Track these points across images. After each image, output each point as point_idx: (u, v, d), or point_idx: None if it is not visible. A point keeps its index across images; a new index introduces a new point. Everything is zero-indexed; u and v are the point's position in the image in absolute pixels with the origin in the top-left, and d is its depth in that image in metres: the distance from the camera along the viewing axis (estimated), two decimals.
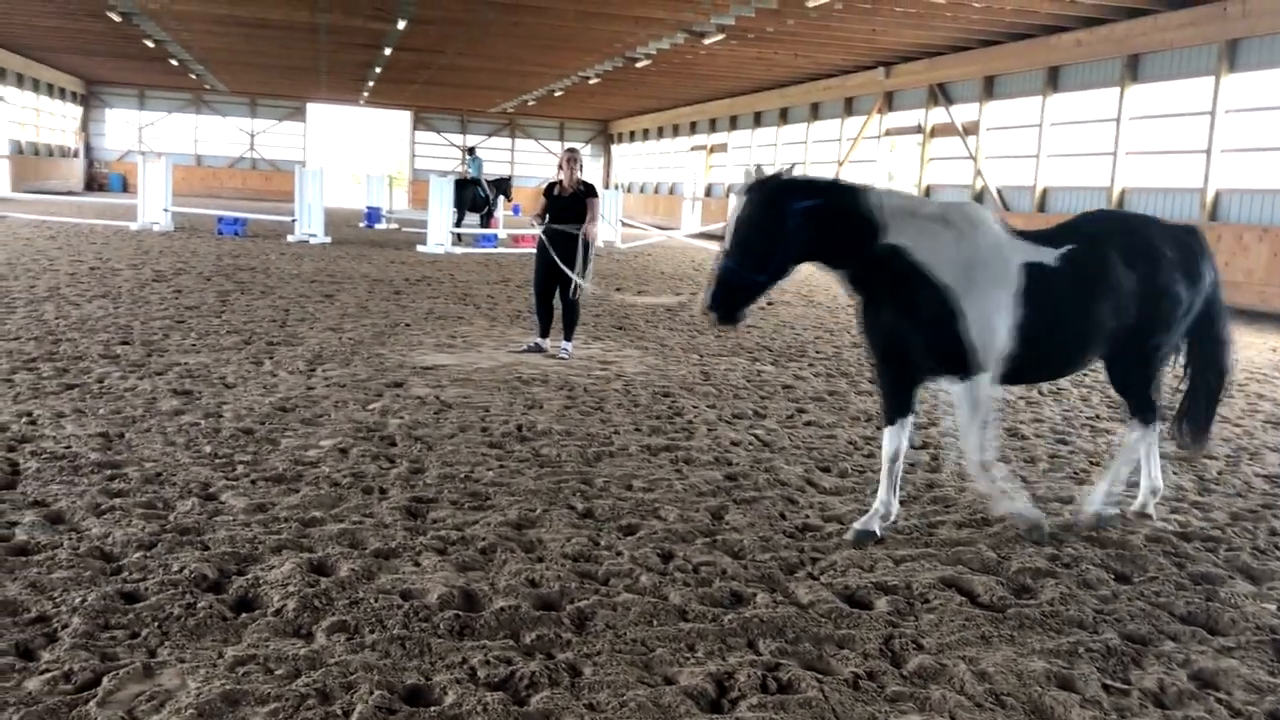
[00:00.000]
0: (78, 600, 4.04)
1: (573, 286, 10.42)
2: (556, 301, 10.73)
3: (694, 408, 8.50)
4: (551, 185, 10.76)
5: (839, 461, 7.05)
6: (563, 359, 10.42)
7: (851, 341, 12.93)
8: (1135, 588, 4.92)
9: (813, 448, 7.41)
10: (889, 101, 31.57)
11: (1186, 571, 5.15)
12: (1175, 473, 7.14)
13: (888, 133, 31.94)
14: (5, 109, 41.99)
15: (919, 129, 29.88)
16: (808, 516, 5.79)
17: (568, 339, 10.67)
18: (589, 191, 10.62)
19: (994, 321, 5.13)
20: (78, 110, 53.28)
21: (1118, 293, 5.37)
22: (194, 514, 5.18)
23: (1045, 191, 25.04)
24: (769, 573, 4.84)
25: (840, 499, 6.18)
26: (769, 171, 5.18)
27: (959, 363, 5.21)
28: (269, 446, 6.59)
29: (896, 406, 5.45)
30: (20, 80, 43.97)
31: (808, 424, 8.21)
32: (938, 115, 29.00)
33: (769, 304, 16.64)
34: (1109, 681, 3.93)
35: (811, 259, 5.26)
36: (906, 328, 5.19)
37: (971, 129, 27.31)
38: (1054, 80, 24.70)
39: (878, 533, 5.37)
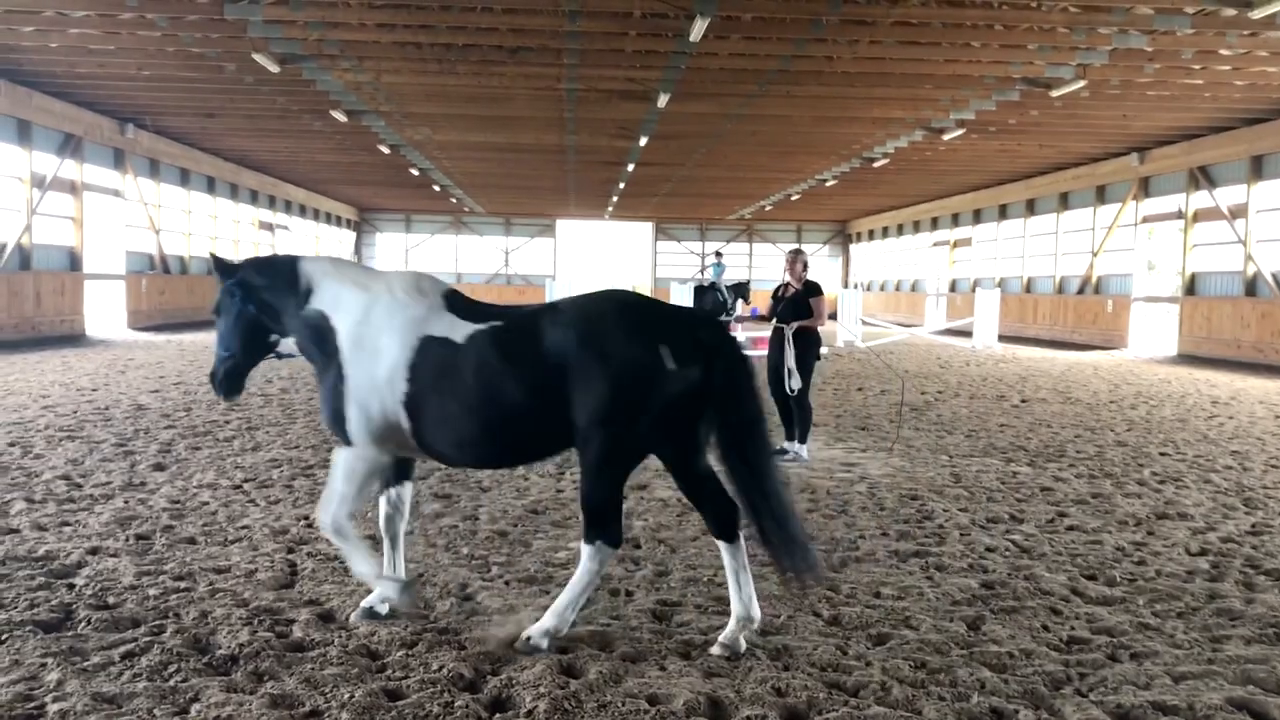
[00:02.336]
0: (346, 696, 4.25)
1: (788, 385, 10.39)
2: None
3: (944, 511, 8.19)
4: (780, 287, 10.86)
5: (1106, 569, 6.59)
6: (789, 461, 10.26)
7: (1115, 440, 12.17)
8: None
9: (1076, 554, 6.96)
10: (1145, 187, 30.07)
11: None
12: None
13: (1145, 220, 30.37)
14: (290, 237, 46.26)
15: (1179, 214, 28.23)
16: (1073, 628, 5.42)
17: (800, 441, 10.52)
18: (810, 290, 10.58)
19: (367, 394, 4.93)
20: (351, 235, 58.03)
21: (522, 377, 4.75)
22: (452, 614, 5.39)
23: None
24: (1033, 688, 4.54)
25: (1110, 609, 5.75)
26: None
27: (339, 429, 5.06)
28: (521, 548, 6.79)
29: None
30: (303, 210, 48.44)
31: (1070, 529, 7.74)
32: (1200, 199, 27.34)
33: (1023, 401, 15.95)
34: None
35: (269, 331, 5.40)
36: (321, 391, 5.19)
37: (1239, 212, 25.56)
38: None
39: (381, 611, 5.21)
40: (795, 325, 10.42)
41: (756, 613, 4.96)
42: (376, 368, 4.97)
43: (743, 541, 4.95)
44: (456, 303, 5.14)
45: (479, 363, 4.85)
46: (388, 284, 5.18)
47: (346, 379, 5.00)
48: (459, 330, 4.96)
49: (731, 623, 4.97)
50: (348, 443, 5.06)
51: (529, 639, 4.85)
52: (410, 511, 5.49)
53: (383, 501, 5.36)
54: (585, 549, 4.86)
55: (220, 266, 5.41)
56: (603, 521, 4.80)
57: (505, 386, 4.79)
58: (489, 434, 4.88)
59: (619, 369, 4.67)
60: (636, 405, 4.68)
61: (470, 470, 9.33)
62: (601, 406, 4.67)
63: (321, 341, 5.14)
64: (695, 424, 4.84)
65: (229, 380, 5.46)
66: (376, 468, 5.12)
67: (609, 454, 4.76)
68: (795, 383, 10.41)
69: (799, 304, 10.54)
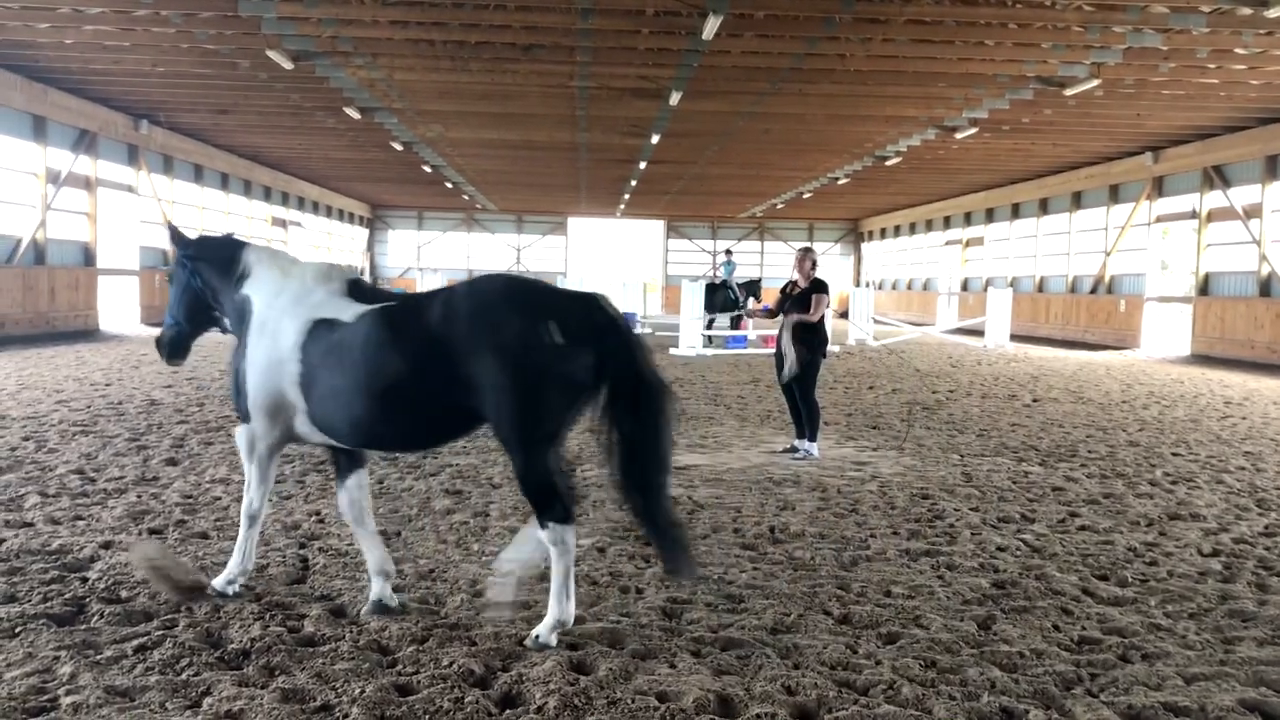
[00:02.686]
0: (357, 691, 4.26)
1: (783, 374, 10.54)
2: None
3: (955, 510, 8.17)
4: (788, 284, 10.88)
5: (1118, 569, 6.57)
6: (799, 458, 10.30)
7: (1127, 440, 12.13)
8: None
9: (1088, 554, 6.95)
10: (1158, 187, 29.96)
11: None
12: None
13: (1158, 219, 30.25)
14: (303, 234, 46.39)
15: (1194, 214, 28.12)
16: (1085, 628, 5.41)
17: (810, 438, 10.52)
18: (814, 288, 10.58)
19: (264, 373, 5.18)
20: (364, 232, 58.19)
21: (407, 353, 4.81)
22: (463, 610, 5.40)
23: None
24: (1043, 688, 4.53)
25: (1121, 610, 5.74)
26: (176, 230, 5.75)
27: (239, 404, 5.36)
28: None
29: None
30: (316, 207, 48.57)
31: (1081, 529, 7.72)
32: (1214, 199, 27.22)
33: (1035, 401, 15.92)
34: None
35: (210, 306, 5.67)
36: (229, 367, 5.51)
37: (1253, 212, 25.44)
38: None
39: (227, 591, 5.42)
40: (794, 317, 10.45)
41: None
42: (275, 348, 5.18)
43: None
44: (356, 288, 5.29)
45: (365, 339, 4.93)
46: (301, 272, 5.41)
47: (248, 357, 5.26)
48: (349, 311, 5.10)
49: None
50: (246, 418, 5.33)
51: (538, 637, 4.87)
52: (370, 494, 5.77)
53: (341, 491, 5.50)
54: (543, 535, 4.85)
55: (176, 237, 5.73)
56: (546, 500, 4.79)
57: (390, 363, 4.84)
58: (377, 411, 4.92)
59: (510, 344, 4.66)
60: (533, 379, 4.66)
61: (480, 468, 9.36)
62: (500, 385, 4.67)
63: (242, 322, 5.41)
64: (585, 401, 4.84)
65: (172, 347, 5.82)
66: (274, 445, 5.37)
67: (522, 431, 4.72)
68: (787, 371, 10.50)
69: (804, 301, 10.54)
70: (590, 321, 4.81)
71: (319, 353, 5.04)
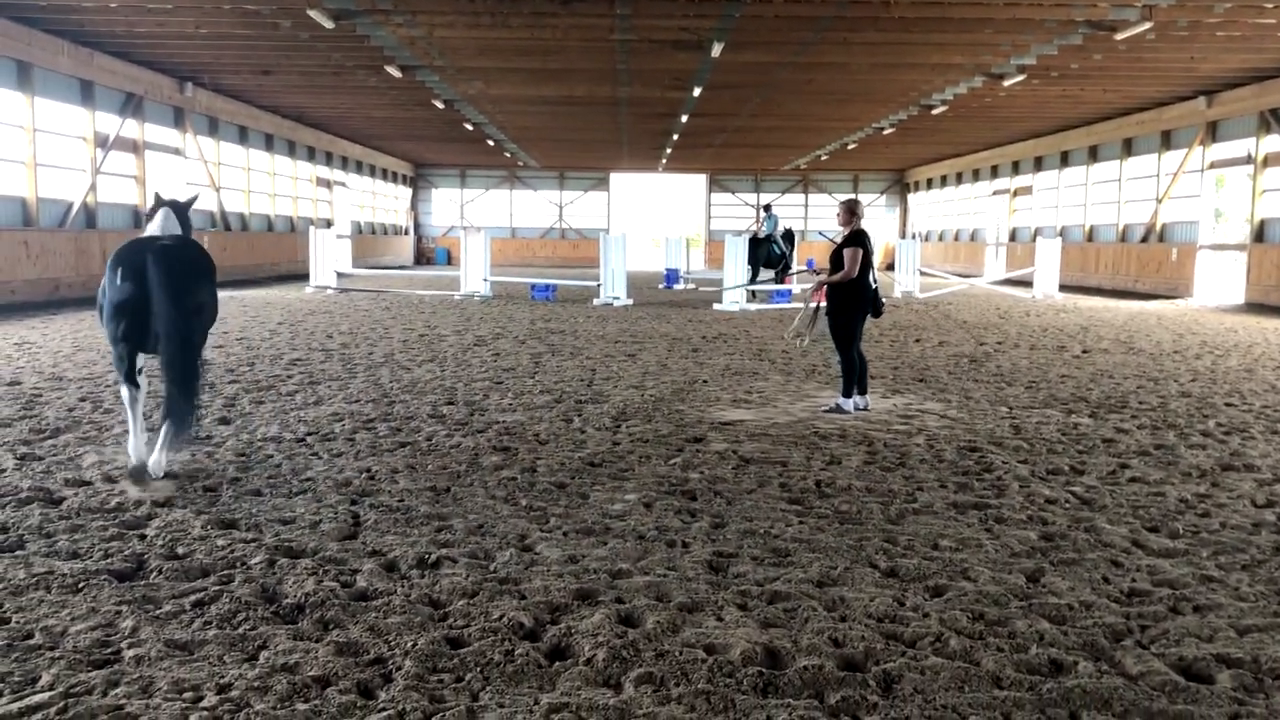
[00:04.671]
0: (410, 644, 4.34)
1: (794, 338, 10.55)
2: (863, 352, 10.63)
3: (1004, 463, 8.12)
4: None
5: (1169, 521, 6.51)
6: (826, 411, 10.28)
7: (1179, 391, 11.96)
8: None
9: (1139, 506, 6.89)
10: (1212, 132, 29.27)
11: None
12: None
13: (1212, 165, 29.58)
14: (348, 193, 46.62)
15: (1249, 159, 27.47)
16: (1134, 580, 5.37)
17: (843, 394, 10.40)
18: (846, 241, 10.38)
19: (101, 298, 7.23)
20: (408, 191, 58.36)
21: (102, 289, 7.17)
22: (512, 564, 5.47)
23: None
24: (1092, 640, 4.52)
25: (1172, 562, 5.69)
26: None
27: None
28: (579, 500, 6.86)
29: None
30: (360, 167, 48.75)
31: (1132, 480, 7.65)
32: (1271, 144, 26.55)
33: (1084, 352, 15.72)
34: None
35: None
36: None
37: None
38: None
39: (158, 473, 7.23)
40: (819, 297, 10.36)
41: (160, 470, 7.14)
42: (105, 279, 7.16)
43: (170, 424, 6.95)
44: (151, 239, 7.20)
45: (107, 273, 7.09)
46: (154, 224, 7.62)
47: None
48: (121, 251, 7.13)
49: (155, 453, 7.12)
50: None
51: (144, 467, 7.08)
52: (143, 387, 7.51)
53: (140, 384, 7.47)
54: (120, 387, 7.26)
55: (156, 198, 8.01)
56: (120, 371, 7.15)
57: (103, 290, 7.13)
58: (101, 319, 7.20)
59: (103, 283, 7.08)
60: (103, 308, 7.05)
61: (527, 424, 9.42)
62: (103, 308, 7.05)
63: None
64: (145, 323, 6.89)
65: None
66: (115, 342, 7.12)
67: (109, 338, 7.14)
68: (799, 337, 10.46)
69: (837, 256, 10.40)
70: (137, 264, 6.86)
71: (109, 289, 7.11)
